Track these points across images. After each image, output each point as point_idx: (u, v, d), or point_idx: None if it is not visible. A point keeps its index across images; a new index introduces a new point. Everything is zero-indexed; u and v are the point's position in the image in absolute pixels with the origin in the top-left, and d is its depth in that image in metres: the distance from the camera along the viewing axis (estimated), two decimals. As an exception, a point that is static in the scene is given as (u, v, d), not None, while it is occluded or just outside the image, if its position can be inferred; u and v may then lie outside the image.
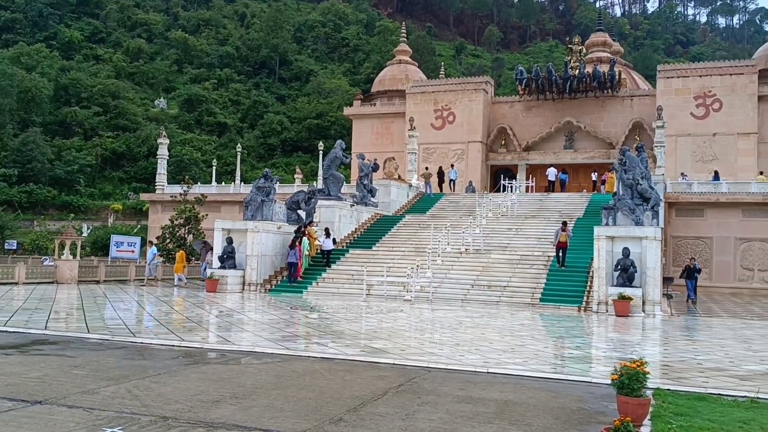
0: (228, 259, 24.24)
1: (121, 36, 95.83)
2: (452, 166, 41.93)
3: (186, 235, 33.16)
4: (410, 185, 37.04)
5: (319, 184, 35.17)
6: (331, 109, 79.60)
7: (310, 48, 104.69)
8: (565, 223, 23.44)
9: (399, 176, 36.63)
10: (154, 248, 28.84)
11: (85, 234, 49.04)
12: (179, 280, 26.63)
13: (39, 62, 78.94)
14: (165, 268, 29.83)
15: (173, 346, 11.13)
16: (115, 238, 35.61)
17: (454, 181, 40.26)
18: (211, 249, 27.49)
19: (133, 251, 33.52)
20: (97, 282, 26.72)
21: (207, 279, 23.86)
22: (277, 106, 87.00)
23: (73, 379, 8.20)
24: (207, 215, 34.51)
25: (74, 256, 27.25)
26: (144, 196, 47.03)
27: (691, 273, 25.37)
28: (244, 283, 24.19)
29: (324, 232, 26.20)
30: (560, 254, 22.78)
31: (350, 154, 43.67)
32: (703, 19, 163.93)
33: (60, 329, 12.71)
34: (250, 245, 24.34)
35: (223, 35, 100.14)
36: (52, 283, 25.03)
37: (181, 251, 28.38)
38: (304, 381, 8.51)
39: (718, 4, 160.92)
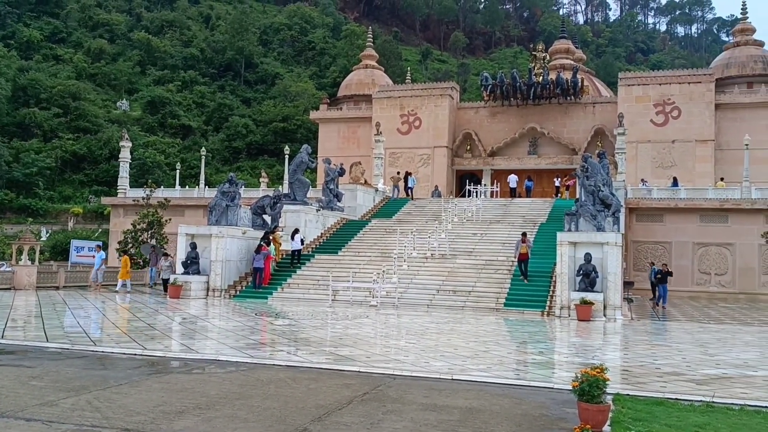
0: (192, 264, 23.93)
1: (82, 36, 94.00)
2: (410, 173, 41.19)
3: (148, 240, 32.67)
4: (376, 190, 37.09)
5: (285, 188, 35.01)
6: (298, 112, 79.32)
7: (276, 51, 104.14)
8: (524, 234, 23.42)
9: (365, 181, 36.68)
10: (102, 253, 27.69)
11: (43, 238, 47.95)
12: (123, 286, 25.72)
13: (-4, 62, 77.03)
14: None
15: (135, 354, 10.97)
16: (75, 242, 34.97)
17: (411, 189, 39.49)
18: (165, 255, 27.10)
19: (94, 256, 32.85)
20: (57, 288, 26.15)
21: (170, 285, 23.49)
22: (242, 109, 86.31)
23: (31, 391, 8.03)
24: (170, 219, 34.04)
25: (33, 261, 26.61)
26: (105, 200, 46.21)
27: (664, 277, 25.95)
28: (208, 289, 23.91)
29: (291, 233, 26.25)
30: (522, 267, 22.66)
31: (316, 158, 43.57)
32: (663, 27, 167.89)
33: (17, 338, 12.41)
34: (214, 250, 24.10)
35: (187, 37, 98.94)
36: (10, 289, 24.41)
37: (126, 256, 27.62)
38: (268, 390, 8.47)
39: (677, 13, 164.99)
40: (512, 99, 46.97)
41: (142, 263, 31.24)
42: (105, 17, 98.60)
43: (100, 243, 31.57)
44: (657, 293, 26.33)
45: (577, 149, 44.37)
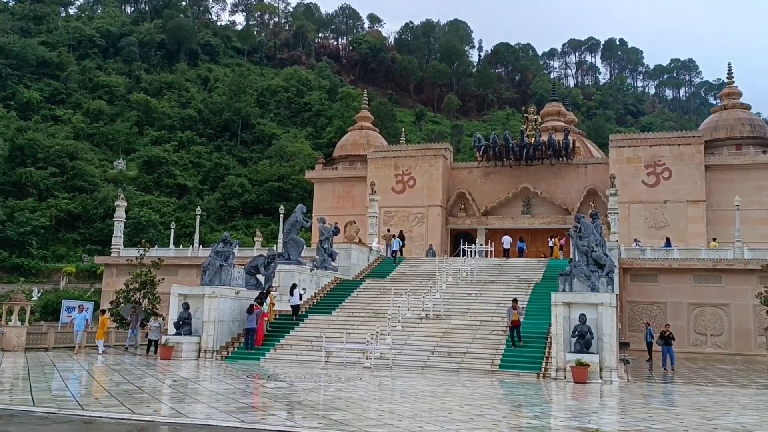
0: (184, 325, 23.67)
1: (81, 97, 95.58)
2: (394, 236, 39.51)
3: (141, 300, 32.36)
4: (371, 249, 37.09)
5: (280, 247, 35.00)
6: (293, 172, 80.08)
7: (273, 112, 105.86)
8: (515, 301, 23.06)
9: (359, 240, 36.72)
10: (86, 313, 27.02)
11: (35, 298, 47.49)
12: (101, 347, 25.09)
13: (-5, 122, 78.03)
14: (117, 334, 29.03)
15: (123, 419, 10.74)
16: (66, 302, 34.60)
17: (396, 252, 37.79)
18: (156, 315, 26.81)
19: (71, 316, 32.31)
20: (46, 349, 25.69)
21: (162, 346, 23.19)
22: (238, 169, 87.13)
23: (14, 458, 7.83)
24: (164, 279, 33.83)
25: (23, 322, 26.25)
26: (99, 260, 46.04)
27: (667, 340, 25.75)
28: (199, 350, 23.58)
29: (290, 288, 26.40)
30: (514, 333, 22.07)
31: (311, 217, 43.71)
32: (652, 90, 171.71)
33: (3, 402, 12.15)
34: (207, 311, 23.88)
35: (185, 98, 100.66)
36: (-2, 350, 24.02)
37: (104, 317, 27.10)
38: (258, 457, 8.28)
39: (665, 77, 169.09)
40: (505, 159, 47.59)
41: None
42: (105, 79, 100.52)
43: (84, 304, 31.02)
44: (663, 354, 25.89)
45: (570, 209, 44.71)
